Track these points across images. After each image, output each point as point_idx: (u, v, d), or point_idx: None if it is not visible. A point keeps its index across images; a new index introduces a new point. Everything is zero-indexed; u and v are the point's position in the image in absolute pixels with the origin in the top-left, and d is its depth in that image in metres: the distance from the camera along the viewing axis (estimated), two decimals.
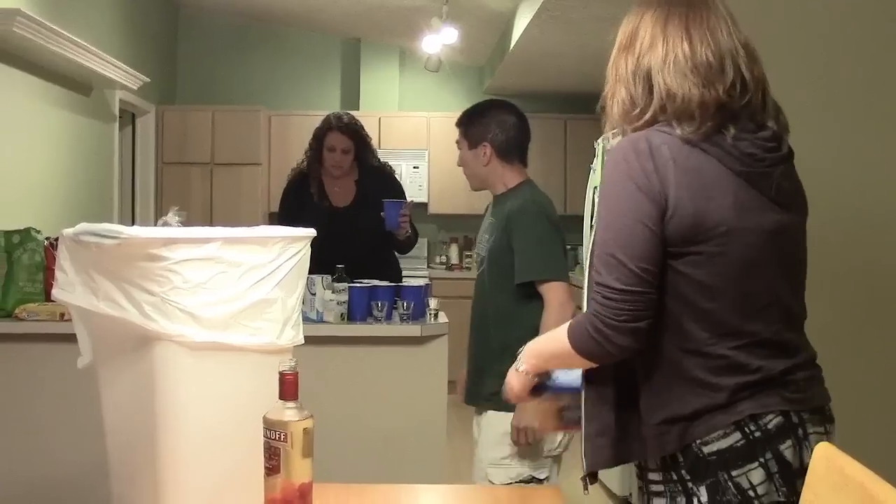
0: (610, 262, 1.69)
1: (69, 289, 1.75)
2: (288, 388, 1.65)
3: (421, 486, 2.41)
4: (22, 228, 3.59)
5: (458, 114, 3.19)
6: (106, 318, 1.69)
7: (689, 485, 1.69)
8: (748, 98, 1.79)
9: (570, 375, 1.97)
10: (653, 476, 1.77)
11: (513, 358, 2.06)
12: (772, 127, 1.81)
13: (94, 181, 6.11)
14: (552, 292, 2.86)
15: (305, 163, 4.42)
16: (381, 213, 4.08)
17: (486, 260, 3.00)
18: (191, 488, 1.73)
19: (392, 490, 2.24)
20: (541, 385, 1.99)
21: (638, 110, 1.83)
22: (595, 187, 5.38)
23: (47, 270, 3.56)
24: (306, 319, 3.25)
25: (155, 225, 4.07)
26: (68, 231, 1.73)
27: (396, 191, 4.43)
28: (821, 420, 1.75)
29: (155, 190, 7.54)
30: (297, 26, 8.18)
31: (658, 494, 1.76)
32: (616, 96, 1.92)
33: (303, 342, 1.93)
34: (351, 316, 3.60)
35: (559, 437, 2.83)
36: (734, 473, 1.66)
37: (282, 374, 1.65)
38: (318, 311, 3.59)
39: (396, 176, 4.64)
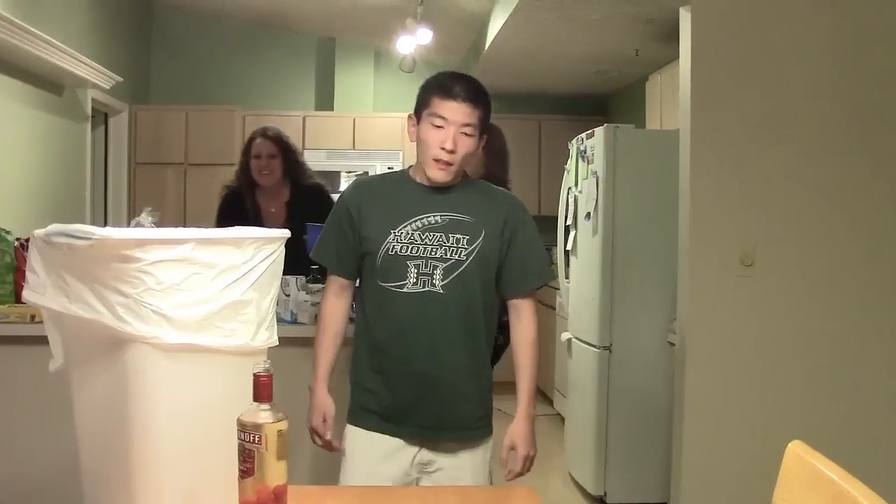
0: None
1: (40, 290, 1.74)
2: (262, 389, 1.64)
3: (396, 488, 2.41)
4: None
5: None
6: (78, 320, 1.68)
7: None
8: None
9: None
10: None
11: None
12: None
13: (66, 181, 6.07)
14: (534, 299, 2.64)
15: (237, 180, 4.37)
16: (305, 237, 3.77)
17: (472, 265, 2.47)
18: (164, 491, 1.72)
19: (367, 492, 2.24)
20: None
21: None
22: (569, 188, 5.40)
23: (17, 272, 3.53)
24: (280, 321, 3.24)
25: (128, 225, 4.05)
26: (39, 232, 1.71)
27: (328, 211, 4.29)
28: None
29: (128, 190, 7.50)
30: (271, 25, 8.16)
31: None
32: None
33: (277, 344, 1.92)
34: None
35: None
36: None
37: (256, 376, 1.65)
38: (292, 312, 3.58)
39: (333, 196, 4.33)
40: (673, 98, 5.43)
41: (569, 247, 5.39)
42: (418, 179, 2.56)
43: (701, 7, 3.78)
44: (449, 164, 2.45)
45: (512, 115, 8.16)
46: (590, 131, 5.06)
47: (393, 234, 2.47)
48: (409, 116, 2.55)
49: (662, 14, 5.18)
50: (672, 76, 5.63)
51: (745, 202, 3.78)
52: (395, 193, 2.57)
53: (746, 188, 3.78)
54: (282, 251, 1.93)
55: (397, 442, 2.51)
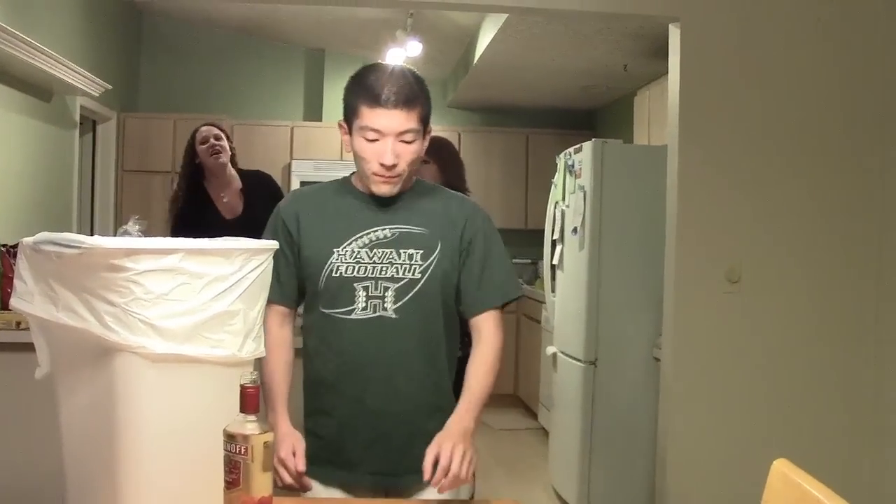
0: None
1: (28, 298, 1.73)
2: (249, 401, 1.65)
3: (379, 500, 2.40)
4: None
5: None
6: (65, 329, 1.68)
7: None
8: None
9: None
10: None
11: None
12: None
13: (54, 188, 6.05)
14: (498, 316, 2.25)
15: (184, 185, 4.45)
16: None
17: (428, 283, 2.16)
18: (150, 501, 1.71)
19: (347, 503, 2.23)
20: None
21: None
22: (556, 202, 5.41)
23: (4, 278, 3.52)
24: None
25: (115, 233, 4.03)
26: (28, 240, 1.71)
27: (280, 192, 4.53)
28: None
29: (115, 198, 7.48)
30: (261, 36, 8.16)
31: None
32: None
33: (264, 355, 1.92)
34: None
35: None
36: None
37: (243, 387, 1.65)
38: None
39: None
40: (661, 113, 5.46)
41: (555, 261, 5.40)
42: (361, 188, 2.23)
43: (690, 23, 3.80)
44: (393, 176, 2.14)
45: (500, 129, 8.18)
46: (578, 146, 5.08)
47: (336, 253, 2.15)
48: (340, 124, 2.26)
49: (651, 30, 5.21)
50: (660, 92, 5.66)
51: (732, 218, 3.80)
52: (336, 206, 2.24)
53: (733, 204, 3.80)
54: (270, 262, 1.93)
55: (359, 493, 2.21)
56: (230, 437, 1.63)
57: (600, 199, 4.79)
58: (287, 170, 7.90)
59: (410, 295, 2.14)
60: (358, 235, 2.17)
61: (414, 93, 2.13)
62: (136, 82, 8.13)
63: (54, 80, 5.43)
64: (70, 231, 1.67)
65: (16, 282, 1.76)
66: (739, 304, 3.80)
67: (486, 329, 2.21)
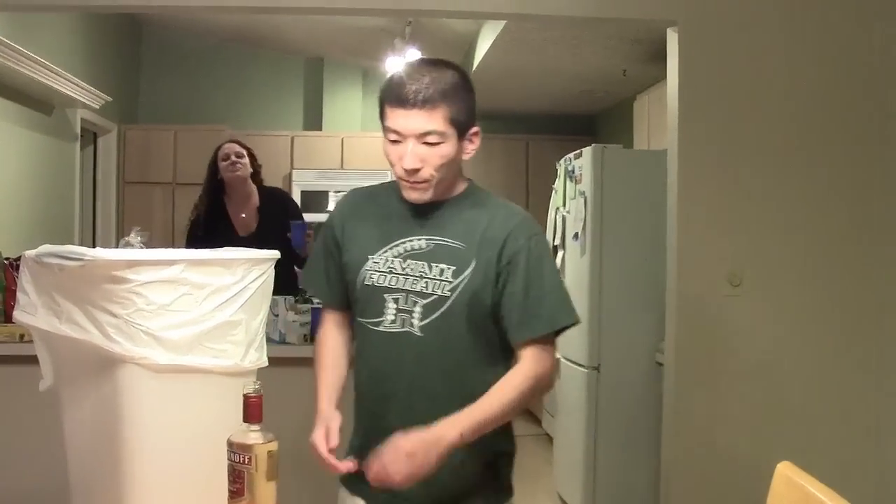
0: None
1: (31, 311, 1.74)
2: (252, 410, 1.65)
3: None
4: None
5: None
6: (68, 341, 1.68)
7: None
8: None
9: None
10: None
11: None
12: None
13: (55, 201, 6.06)
14: (543, 346, 2.00)
15: (205, 196, 4.54)
16: (288, 234, 4.22)
17: (457, 303, 1.96)
18: None
19: None
20: None
21: None
22: (557, 208, 5.41)
23: (7, 291, 3.52)
24: (269, 341, 3.23)
25: (117, 245, 4.04)
26: (31, 253, 1.72)
27: (297, 211, 4.68)
28: None
29: (116, 210, 7.49)
30: (260, 46, 8.17)
31: None
32: None
33: (267, 364, 1.93)
34: (314, 337, 3.58)
35: None
36: None
37: (246, 397, 1.65)
38: (280, 332, 3.58)
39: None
40: (660, 118, 5.46)
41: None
42: (405, 194, 2.04)
43: (688, 27, 3.80)
44: (418, 182, 1.97)
45: (500, 135, 8.18)
46: (577, 151, 5.08)
47: (371, 261, 2.03)
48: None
49: (650, 34, 5.21)
50: (659, 96, 5.66)
51: (733, 222, 3.80)
52: (379, 210, 2.10)
53: (734, 208, 3.80)
54: (271, 272, 1.94)
55: None
56: (234, 447, 1.63)
57: (601, 204, 4.79)
58: (288, 179, 7.91)
59: (437, 314, 1.96)
60: (394, 244, 2.03)
61: (439, 91, 1.92)
62: (136, 94, 8.14)
63: (55, 93, 5.45)
64: (72, 243, 1.67)
65: (19, 294, 1.77)
66: (741, 307, 3.80)
67: (525, 358, 1.97)
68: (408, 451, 1.78)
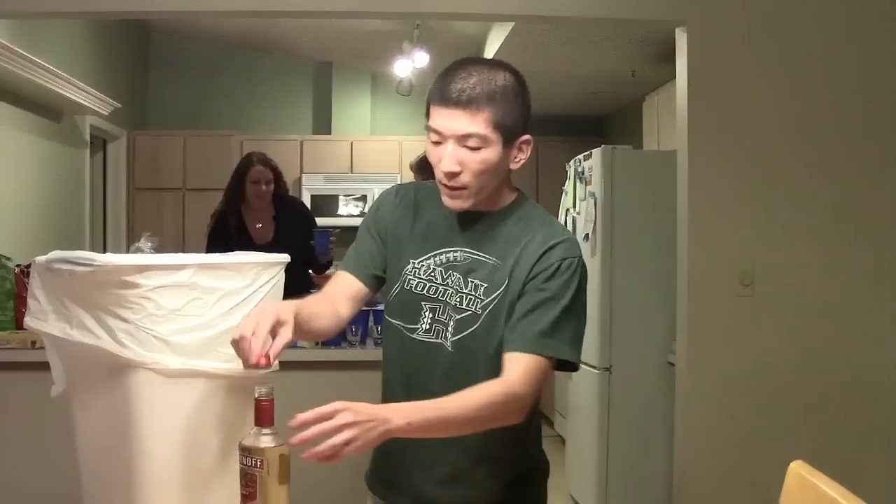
0: None
1: (42, 317, 1.74)
2: (264, 414, 1.65)
3: None
4: None
5: None
6: (79, 346, 1.68)
7: None
8: None
9: None
10: None
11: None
12: None
13: (65, 207, 6.08)
14: (535, 365, 1.81)
15: (225, 202, 4.65)
16: (311, 242, 4.36)
17: (485, 323, 1.86)
18: None
19: None
20: None
21: None
22: (567, 210, 5.41)
23: (18, 298, 3.53)
24: None
25: (127, 251, 4.06)
26: (41, 259, 1.72)
27: (312, 221, 4.84)
28: None
29: (126, 216, 7.51)
30: (268, 50, 8.19)
31: None
32: None
33: (278, 368, 1.92)
34: (325, 341, 3.58)
35: None
36: None
37: (257, 401, 1.65)
38: None
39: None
40: (670, 118, 5.45)
41: None
42: (444, 201, 1.92)
43: (697, 27, 3.79)
44: (455, 188, 1.84)
45: None
46: (587, 152, 5.08)
47: (412, 265, 1.93)
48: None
49: (658, 35, 5.21)
50: (669, 97, 5.65)
51: (744, 222, 3.79)
52: (428, 213, 1.98)
53: (745, 208, 3.79)
54: (282, 276, 1.94)
55: None
56: (246, 451, 1.63)
57: (611, 205, 4.78)
58: (297, 183, 7.92)
59: (468, 331, 1.87)
60: (436, 252, 1.93)
61: (486, 93, 1.80)
62: (145, 100, 8.17)
63: (64, 100, 5.46)
64: (82, 249, 1.67)
65: (29, 301, 1.77)
66: (753, 307, 3.78)
67: (508, 372, 1.78)
68: (348, 421, 1.54)
